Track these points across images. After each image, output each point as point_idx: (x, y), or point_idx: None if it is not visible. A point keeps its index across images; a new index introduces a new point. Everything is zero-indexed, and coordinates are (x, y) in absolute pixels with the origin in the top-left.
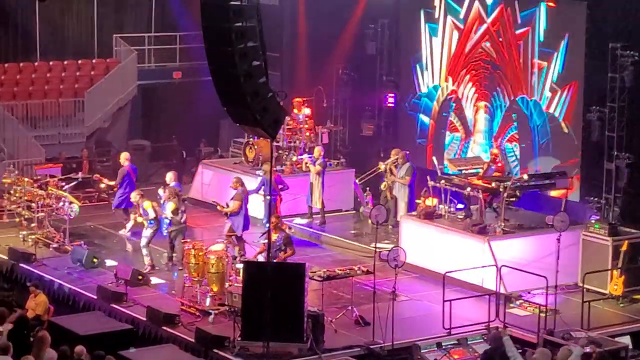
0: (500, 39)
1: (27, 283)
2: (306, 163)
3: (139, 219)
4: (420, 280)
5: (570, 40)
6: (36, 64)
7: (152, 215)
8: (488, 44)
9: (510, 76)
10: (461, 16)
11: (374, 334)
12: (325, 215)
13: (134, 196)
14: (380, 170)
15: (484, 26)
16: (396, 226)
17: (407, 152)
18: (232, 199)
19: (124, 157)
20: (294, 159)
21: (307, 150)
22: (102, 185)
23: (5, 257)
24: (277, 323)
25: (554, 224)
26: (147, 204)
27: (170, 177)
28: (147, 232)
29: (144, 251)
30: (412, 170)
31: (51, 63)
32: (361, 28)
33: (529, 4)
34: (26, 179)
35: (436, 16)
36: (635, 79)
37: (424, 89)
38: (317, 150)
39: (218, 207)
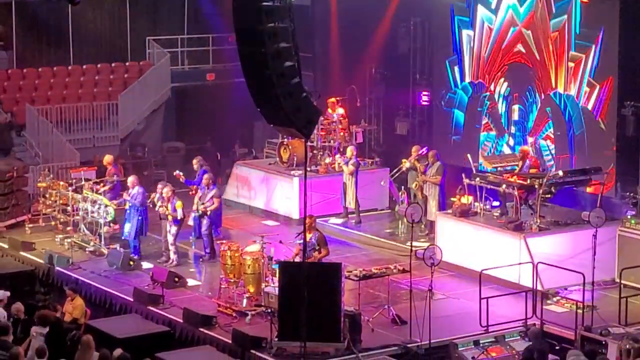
0: (535, 33)
1: (64, 287)
2: (339, 163)
3: (161, 210)
4: (456, 278)
5: (605, 34)
6: (70, 67)
7: (180, 215)
8: (522, 41)
9: (545, 71)
10: (494, 10)
11: (411, 333)
12: (361, 214)
13: (167, 191)
14: (404, 168)
15: (518, 20)
16: (428, 225)
17: (437, 152)
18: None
19: (196, 162)
20: (327, 160)
21: (341, 149)
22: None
23: (42, 261)
24: (313, 323)
25: (590, 220)
26: (179, 204)
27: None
28: (173, 230)
29: (171, 248)
30: (442, 169)
31: (85, 67)
32: (393, 26)
33: None
34: (61, 183)
35: (468, 13)
36: None
37: (457, 87)
38: (350, 150)
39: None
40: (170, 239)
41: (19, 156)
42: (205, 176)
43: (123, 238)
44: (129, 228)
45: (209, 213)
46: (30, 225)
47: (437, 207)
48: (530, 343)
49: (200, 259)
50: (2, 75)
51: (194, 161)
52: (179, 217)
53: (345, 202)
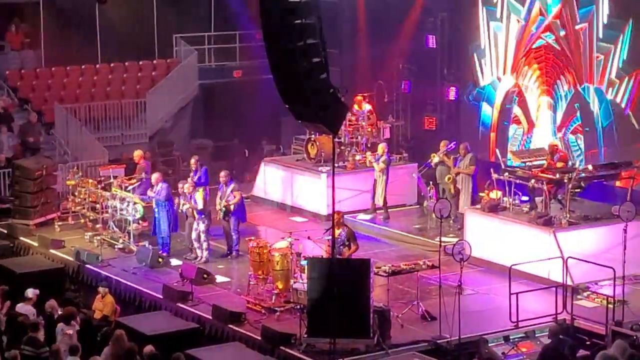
0: (563, 25)
1: (98, 284)
2: (369, 160)
3: (184, 207)
4: (486, 274)
5: (633, 26)
6: (98, 66)
7: (200, 205)
8: (550, 34)
9: (573, 64)
10: (522, 2)
11: (441, 329)
12: (389, 210)
13: (187, 187)
14: (433, 162)
15: (547, 13)
16: (457, 220)
17: (467, 144)
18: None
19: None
20: (357, 157)
21: (369, 145)
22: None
23: (72, 259)
24: (343, 319)
25: (620, 214)
26: (198, 194)
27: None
28: (201, 227)
29: (202, 244)
30: (475, 160)
31: (112, 65)
32: (421, 21)
33: None
34: (90, 181)
35: (497, 7)
36: None
37: (485, 81)
38: (381, 148)
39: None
40: (201, 235)
41: (48, 154)
42: (222, 174)
43: (152, 235)
44: (164, 226)
45: (232, 208)
46: (60, 223)
47: (469, 200)
48: (550, 341)
49: (229, 257)
50: (31, 74)
51: (192, 160)
52: (199, 208)
53: (374, 198)
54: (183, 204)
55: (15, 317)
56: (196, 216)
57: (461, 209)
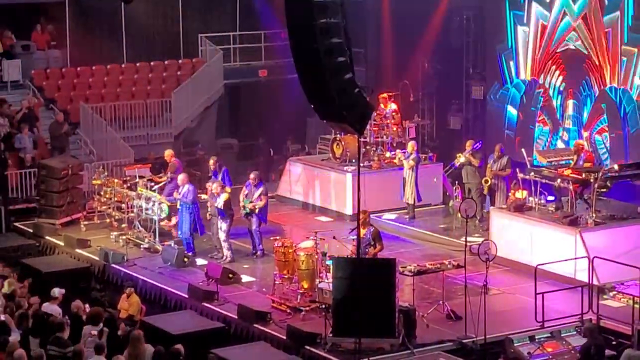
0: (589, 28)
1: (123, 283)
2: (399, 158)
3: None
4: (511, 274)
5: None
6: (123, 65)
7: (220, 204)
8: (575, 35)
9: (599, 65)
10: (548, 5)
11: (466, 328)
12: (415, 209)
13: (215, 187)
14: (459, 162)
15: (572, 16)
16: (483, 220)
17: (502, 145)
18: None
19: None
20: (388, 155)
21: (394, 145)
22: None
23: (97, 258)
24: (368, 319)
25: None
26: (223, 196)
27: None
28: (224, 226)
29: (224, 244)
30: (511, 162)
31: (138, 64)
32: (446, 20)
33: None
34: (116, 180)
35: (523, 8)
36: None
37: (511, 81)
38: (411, 145)
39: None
40: (222, 235)
41: (73, 154)
42: (252, 175)
43: (179, 234)
44: (186, 227)
45: (256, 211)
46: (86, 223)
47: (505, 199)
48: (586, 340)
49: (255, 256)
50: (57, 73)
51: (211, 161)
52: (218, 206)
53: (404, 197)
54: (210, 205)
55: (43, 316)
56: (217, 215)
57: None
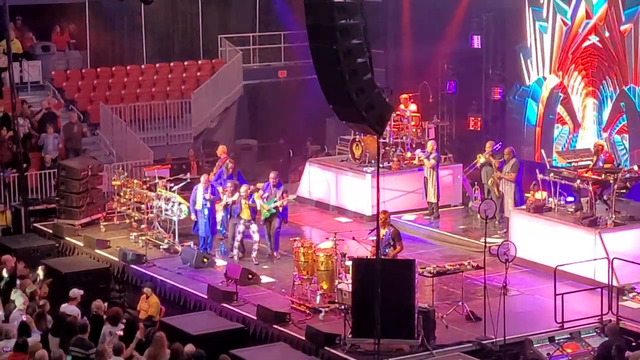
0: (609, 26)
1: (143, 284)
2: (420, 157)
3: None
4: (531, 275)
5: None
6: (143, 66)
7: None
8: (595, 34)
9: (619, 64)
10: (568, 2)
11: (485, 329)
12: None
13: (243, 190)
14: (479, 163)
15: (592, 14)
16: (503, 221)
17: (512, 148)
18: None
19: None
20: (408, 154)
21: (413, 146)
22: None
23: (117, 259)
24: (387, 320)
25: None
26: (256, 197)
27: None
28: (240, 228)
29: (255, 246)
30: (518, 166)
31: (157, 65)
32: (465, 22)
33: None
34: (135, 181)
35: (543, 6)
36: None
37: (531, 81)
38: (431, 145)
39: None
40: (237, 235)
41: (93, 155)
42: (272, 174)
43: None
44: (204, 227)
45: (280, 210)
46: (105, 223)
47: (513, 204)
48: (607, 339)
49: (277, 257)
50: (76, 74)
51: (229, 165)
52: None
53: (426, 196)
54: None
55: (63, 317)
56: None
57: (505, 213)
